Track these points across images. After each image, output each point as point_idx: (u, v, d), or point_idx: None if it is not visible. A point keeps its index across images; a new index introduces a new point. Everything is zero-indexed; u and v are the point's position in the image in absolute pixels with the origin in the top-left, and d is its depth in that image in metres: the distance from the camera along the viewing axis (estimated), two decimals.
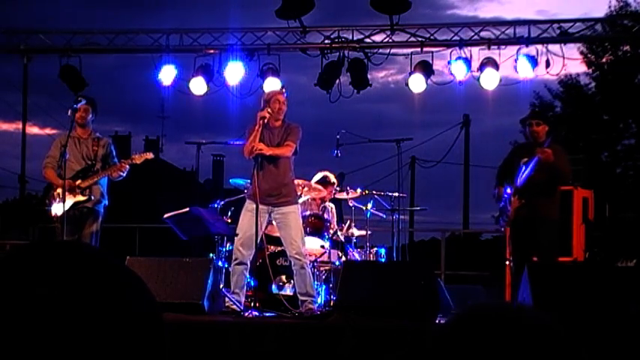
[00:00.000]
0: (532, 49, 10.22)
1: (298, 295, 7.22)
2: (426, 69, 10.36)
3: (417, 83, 10.35)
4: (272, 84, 10.12)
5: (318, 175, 8.80)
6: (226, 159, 35.12)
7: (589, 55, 24.01)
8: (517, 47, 10.27)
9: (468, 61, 10.27)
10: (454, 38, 10.43)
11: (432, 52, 10.49)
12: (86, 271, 1.05)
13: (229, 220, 8.22)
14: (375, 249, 8.68)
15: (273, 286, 7.80)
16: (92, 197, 7.74)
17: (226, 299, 7.40)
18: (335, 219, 8.80)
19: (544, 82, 24.55)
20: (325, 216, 8.50)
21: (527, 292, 6.38)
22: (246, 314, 6.88)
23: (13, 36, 11.35)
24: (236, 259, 7.23)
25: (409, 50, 10.55)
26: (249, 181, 7.59)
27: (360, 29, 10.68)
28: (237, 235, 7.26)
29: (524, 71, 10.17)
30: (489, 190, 8.00)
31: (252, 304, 7.23)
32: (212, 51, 10.77)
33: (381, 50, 10.68)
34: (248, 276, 7.39)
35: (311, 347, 6.04)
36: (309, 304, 7.17)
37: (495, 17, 46.70)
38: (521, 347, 1.07)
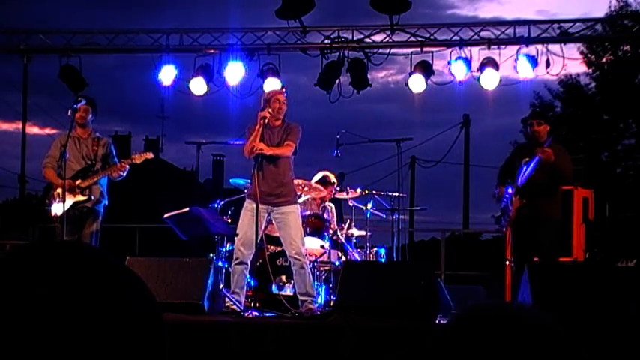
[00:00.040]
0: (532, 49, 10.22)
1: (298, 295, 7.22)
2: (426, 69, 10.36)
3: (417, 83, 10.35)
4: (272, 84, 10.12)
5: (318, 175, 8.80)
6: (226, 159, 35.16)
7: (589, 55, 24.01)
8: (517, 47, 10.27)
9: (468, 61, 10.27)
10: (454, 38, 10.42)
11: (432, 52, 10.49)
12: (86, 271, 1.05)
13: (229, 220, 8.22)
14: (375, 249, 8.68)
15: (273, 286, 7.80)
16: (92, 197, 7.74)
17: (226, 299, 7.40)
18: (335, 219, 8.80)
19: (544, 82, 24.59)
20: (325, 216, 8.50)
21: (527, 292, 6.38)
22: (246, 314, 6.88)
23: (13, 36, 11.35)
24: (236, 259, 7.23)
25: (409, 50, 10.55)
26: (249, 181, 7.59)
27: (360, 29, 10.68)
28: (237, 235, 7.26)
29: (524, 71, 10.17)
30: (489, 190, 8.01)
31: (252, 304, 7.23)
32: (212, 51, 10.77)
33: (381, 50, 10.68)
34: (248, 276, 7.39)
35: (311, 347, 6.04)
36: (309, 304, 7.17)
37: (495, 17, 46.77)
38: (522, 347, 1.07)
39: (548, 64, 10.19)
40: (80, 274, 1.04)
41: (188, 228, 7.74)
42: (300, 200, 7.99)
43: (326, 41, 10.62)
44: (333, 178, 8.88)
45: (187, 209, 7.65)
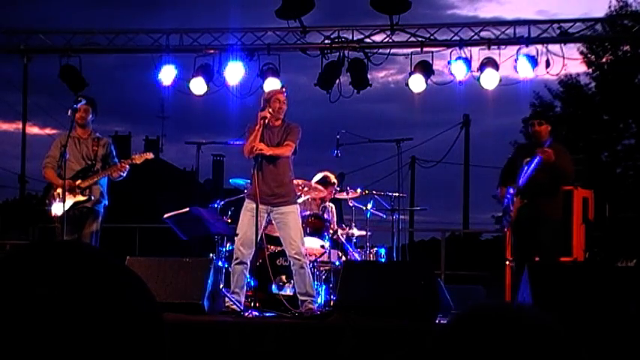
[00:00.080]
0: (532, 49, 10.22)
1: (298, 295, 7.22)
2: (426, 69, 10.36)
3: (417, 83, 10.35)
4: (272, 84, 10.12)
5: (319, 176, 8.80)
6: (226, 159, 35.16)
7: (589, 55, 24.02)
8: (517, 47, 10.27)
9: (468, 61, 10.27)
10: (454, 38, 10.43)
11: (432, 52, 10.49)
12: (86, 271, 1.05)
13: (229, 220, 8.21)
14: (375, 249, 8.68)
15: (273, 286, 7.80)
16: (92, 197, 7.74)
17: (226, 299, 7.40)
18: (335, 219, 8.80)
19: (544, 82, 24.60)
20: (325, 216, 8.50)
21: (528, 292, 6.38)
22: (246, 314, 6.88)
23: (13, 36, 11.35)
24: (236, 259, 7.23)
25: (409, 50, 10.55)
26: (249, 181, 7.59)
27: (360, 29, 10.68)
28: (237, 235, 7.26)
29: (524, 71, 10.17)
30: (489, 190, 8.02)
31: (252, 304, 7.23)
32: (212, 51, 10.77)
33: (381, 50, 10.68)
34: (248, 276, 7.39)
35: (311, 347, 6.04)
36: (309, 304, 7.17)
37: (495, 17, 46.74)
38: (522, 347, 1.07)
39: (548, 64, 10.20)
40: (80, 274, 1.03)
41: (188, 228, 7.74)
42: (300, 200, 7.99)
43: (326, 41, 10.62)
44: (333, 179, 8.88)
45: (187, 209, 7.65)
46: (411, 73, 10.37)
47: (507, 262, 9.50)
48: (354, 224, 8.66)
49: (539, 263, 7.28)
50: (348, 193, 8.77)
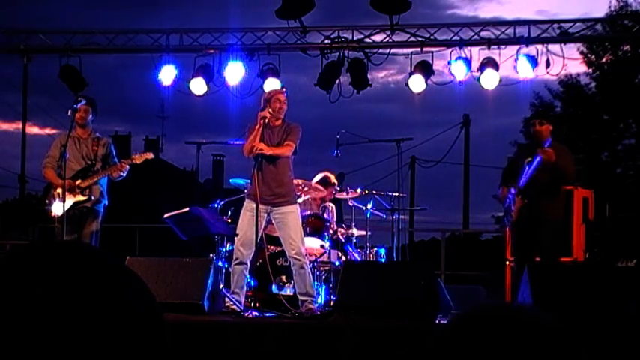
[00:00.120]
0: (532, 49, 10.22)
1: (298, 295, 7.22)
2: (426, 69, 10.36)
3: (417, 83, 10.35)
4: (272, 84, 10.12)
5: (319, 176, 8.81)
6: (226, 159, 35.16)
7: (589, 55, 24.03)
8: (517, 47, 10.27)
9: (468, 61, 10.27)
10: (454, 38, 10.43)
11: (432, 52, 10.49)
12: (86, 271, 1.05)
13: (229, 220, 8.21)
14: (375, 249, 8.68)
15: (273, 286, 7.80)
16: (92, 197, 7.73)
17: (226, 299, 7.40)
18: (335, 219, 8.80)
19: (544, 82, 24.60)
20: (325, 216, 8.50)
21: (528, 292, 6.38)
22: (246, 314, 6.88)
23: (13, 36, 11.36)
24: (236, 259, 7.23)
25: (409, 50, 10.55)
26: (249, 181, 7.59)
27: (360, 29, 10.68)
28: (237, 235, 7.26)
29: (524, 71, 10.17)
30: (490, 190, 8.01)
31: (252, 304, 7.23)
32: (212, 51, 10.77)
33: (381, 50, 10.68)
34: (248, 276, 7.39)
35: (311, 347, 6.04)
36: (309, 304, 7.17)
37: (495, 17, 46.70)
38: (522, 347, 1.07)
39: (548, 64, 10.20)
40: (80, 274, 1.03)
41: (188, 228, 7.74)
42: (300, 200, 7.99)
43: (326, 41, 10.62)
44: (333, 179, 8.88)
45: (187, 209, 7.64)
46: (411, 73, 10.37)
47: (507, 262, 9.50)
48: (354, 224, 8.66)
49: (539, 263, 7.28)
50: (348, 193, 8.77)
